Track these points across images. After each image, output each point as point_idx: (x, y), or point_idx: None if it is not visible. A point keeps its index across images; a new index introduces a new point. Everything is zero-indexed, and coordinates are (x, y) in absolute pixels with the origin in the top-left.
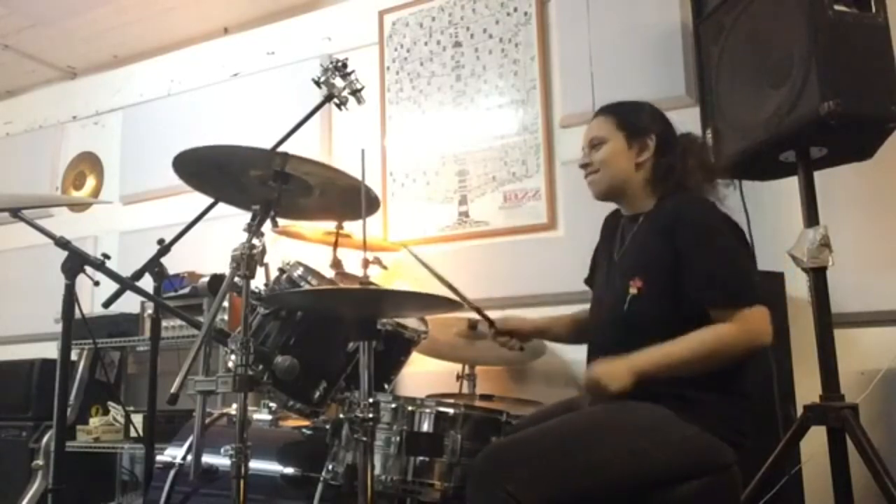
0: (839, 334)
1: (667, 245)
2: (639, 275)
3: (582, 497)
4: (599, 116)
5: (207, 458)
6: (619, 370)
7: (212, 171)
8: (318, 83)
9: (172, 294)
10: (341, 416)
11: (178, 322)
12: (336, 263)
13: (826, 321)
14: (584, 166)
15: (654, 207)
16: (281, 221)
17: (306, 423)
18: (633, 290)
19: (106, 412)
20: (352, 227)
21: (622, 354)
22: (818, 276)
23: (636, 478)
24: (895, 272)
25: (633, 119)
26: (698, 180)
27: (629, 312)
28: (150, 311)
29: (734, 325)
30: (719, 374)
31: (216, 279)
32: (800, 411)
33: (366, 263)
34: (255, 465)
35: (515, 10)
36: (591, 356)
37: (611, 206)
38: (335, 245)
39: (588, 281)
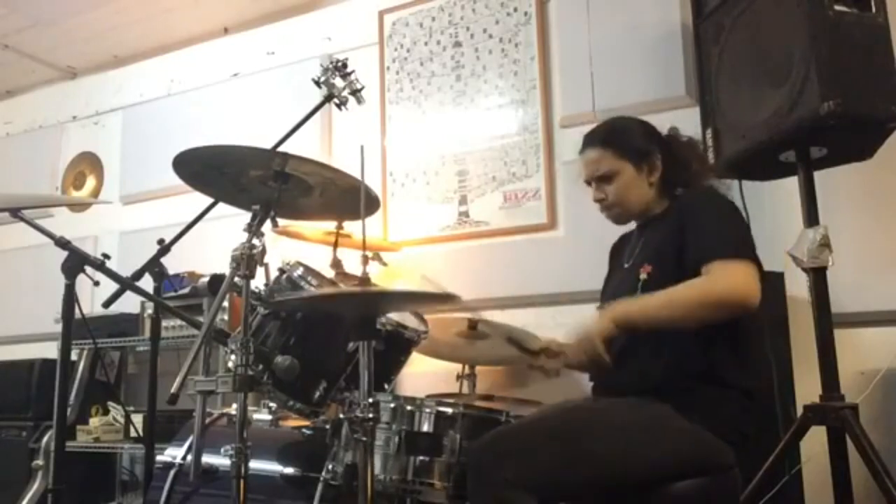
0: (839, 334)
1: (675, 233)
2: (648, 262)
3: (579, 488)
4: (595, 149)
5: (207, 458)
6: (601, 318)
7: (212, 171)
8: (318, 83)
9: (172, 294)
10: (341, 416)
11: (178, 322)
12: (336, 263)
13: (826, 321)
14: (599, 200)
15: (668, 207)
16: (281, 221)
17: (306, 423)
18: (643, 276)
19: (106, 412)
20: (352, 226)
21: (636, 342)
22: (818, 276)
23: (633, 472)
24: (895, 272)
25: (632, 144)
26: (700, 174)
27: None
28: (150, 311)
29: (712, 275)
30: (721, 370)
31: (216, 279)
32: (800, 411)
33: (365, 260)
34: (255, 465)
35: (515, 10)
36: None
37: None
38: (335, 245)
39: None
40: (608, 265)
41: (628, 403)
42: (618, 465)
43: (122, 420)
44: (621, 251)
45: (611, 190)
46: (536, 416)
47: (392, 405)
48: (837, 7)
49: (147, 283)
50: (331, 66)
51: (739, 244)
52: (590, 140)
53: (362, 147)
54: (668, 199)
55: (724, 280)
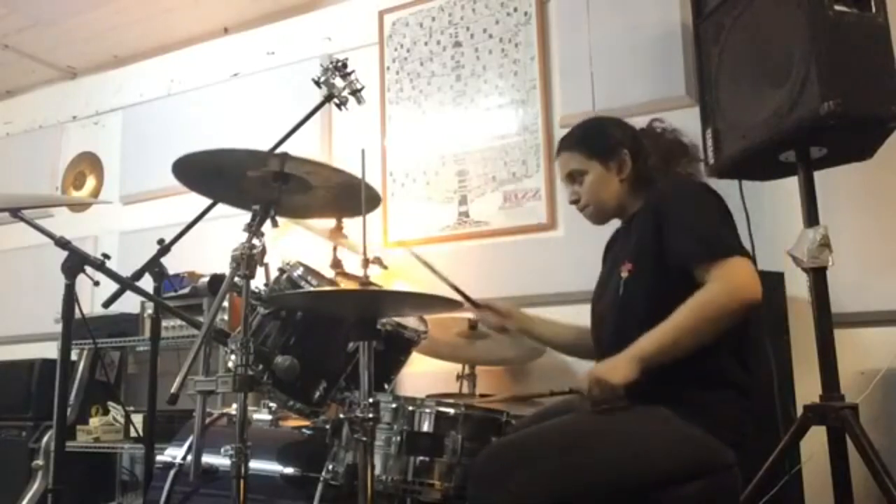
0: (839, 334)
1: (651, 226)
2: (628, 258)
3: (582, 497)
4: (565, 152)
5: (207, 458)
6: (618, 362)
7: (211, 174)
8: (318, 83)
9: (172, 294)
10: (341, 416)
11: (178, 322)
12: (336, 263)
13: (826, 321)
14: (573, 202)
15: (644, 202)
16: (281, 220)
17: (306, 423)
18: (624, 274)
19: (106, 412)
20: (352, 227)
21: (623, 339)
22: (818, 276)
23: (636, 478)
24: (895, 272)
25: (600, 143)
26: (673, 163)
27: (624, 295)
28: (150, 311)
29: (714, 282)
30: (719, 372)
31: (216, 279)
32: (800, 411)
33: (366, 263)
34: (255, 465)
35: (515, 10)
36: (596, 350)
37: None
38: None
39: None
40: (602, 262)
41: (628, 408)
42: (620, 471)
43: (122, 420)
44: (612, 248)
45: (582, 190)
46: (537, 427)
47: (393, 405)
48: (837, 7)
49: (147, 283)
50: (331, 66)
51: (719, 241)
52: (561, 144)
53: (363, 151)
54: (644, 193)
55: (720, 288)
